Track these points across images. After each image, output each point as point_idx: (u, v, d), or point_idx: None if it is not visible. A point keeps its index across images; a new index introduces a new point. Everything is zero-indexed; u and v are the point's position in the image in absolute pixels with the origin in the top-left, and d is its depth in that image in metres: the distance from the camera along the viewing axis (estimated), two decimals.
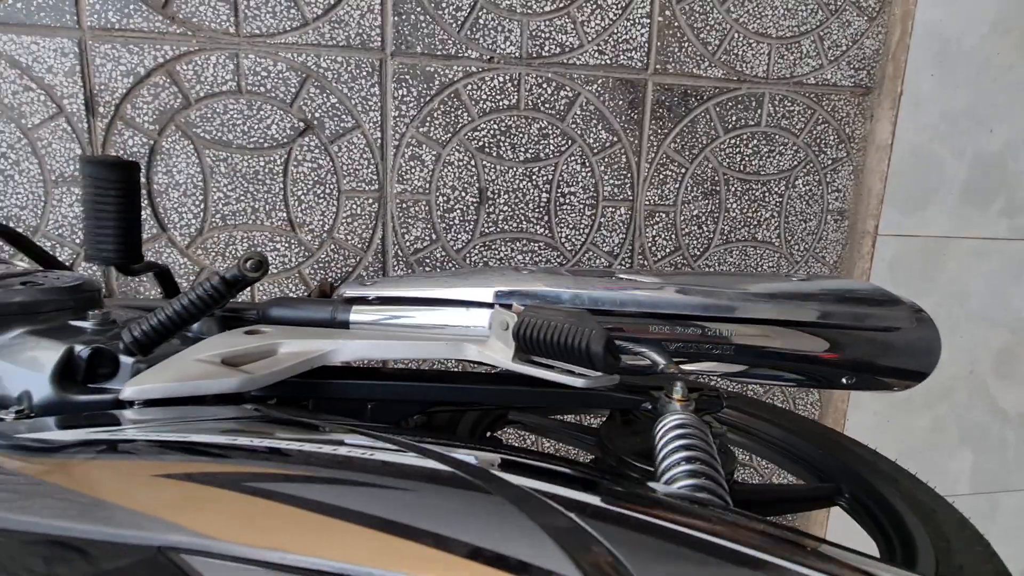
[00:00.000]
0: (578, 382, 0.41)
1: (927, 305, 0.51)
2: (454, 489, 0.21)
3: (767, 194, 1.25)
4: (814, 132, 1.25)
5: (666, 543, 0.18)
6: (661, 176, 1.20)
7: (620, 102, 1.16)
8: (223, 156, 1.05)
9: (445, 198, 1.13)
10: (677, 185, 1.21)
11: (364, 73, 1.06)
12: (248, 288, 0.82)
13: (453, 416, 0.60)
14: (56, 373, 0.41)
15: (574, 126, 1.15)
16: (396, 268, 1.14)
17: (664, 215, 1.21)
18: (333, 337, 0.47)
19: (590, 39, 1.13)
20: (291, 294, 1.11)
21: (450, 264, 1.16)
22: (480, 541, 0.17)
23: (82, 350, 0.42)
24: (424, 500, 0.20)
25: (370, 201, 1.11)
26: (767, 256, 1.27)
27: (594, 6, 1.12)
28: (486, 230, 1.15)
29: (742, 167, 1.23)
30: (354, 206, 1.10)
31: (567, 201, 1.17)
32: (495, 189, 1.14)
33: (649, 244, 1.22)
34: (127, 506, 0.20)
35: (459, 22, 1.08)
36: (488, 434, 0.62)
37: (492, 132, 1.12)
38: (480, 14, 1.08)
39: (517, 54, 1.11)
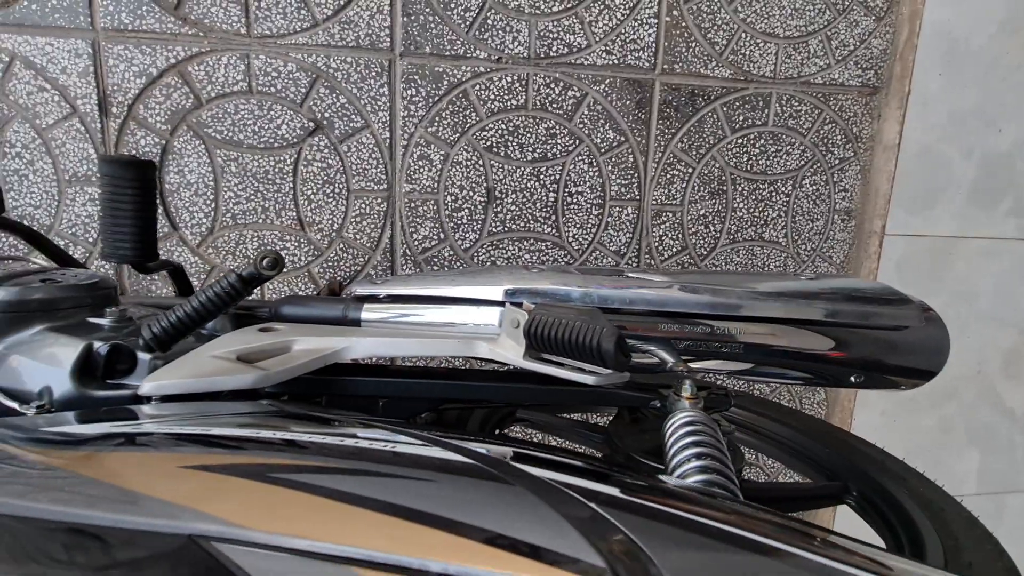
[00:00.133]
0: (588, 379, 0.41)
1: (935, 305, 0.51)
2: (472, 479, 0.21)
3: (774, 194, 1.25)
4: (821, 132, 1.25)
5: (684, 531, 0.19)
6: (668, 176, 1.20)
7: (627, 102, 1.16)
8: (234, 156, 1.06)
9: (453, 197, 1.14)
10: (684, 185, 1.21)
11: (373, 73, 1.07)
12: (259, 287, 0.83)
13: (462, 413, 0.61)
14: (76, 369, 0.41)
15: (581, 126, 1.15)
16: (404, 267, 1.15)
17: (671, 214, 1.22)
18: (345, 335, 0.47)
19: (598, 39, 1.13)
20: (300, 293, 1.12)
21: (458, 263, 1.16)
22: (501, 528, 0.18)
23: (101, 346, 0.42)
24: (444, 489, 0.20)
25: (379, 200, 1.11)
26: (774, 256, 1.27)
27: (602, 6, 1.12)
28: (494, 229, 1.16)
29: (749, 167, 1.23)
30: (363, 205, 1.11)
31: (574, 200, 1.18)
32: (503, 188, 1.15)
33: (656, 243, 1.22)
34: (156, 496, 0.21)
35: (468, 23, 1.08)
36: (496, 432, 0.63)
37: (500, 132, 1.13)
38: (488, 15, 1.08)
39: (525, 54, 1.11)
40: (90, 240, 1.05)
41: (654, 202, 1.21)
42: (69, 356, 0.42)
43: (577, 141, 1.16)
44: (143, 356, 0.43)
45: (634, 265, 1.22)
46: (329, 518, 0.19)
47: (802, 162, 1.25)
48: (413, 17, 1.06)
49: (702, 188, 1.22)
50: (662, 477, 0.31)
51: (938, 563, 0.40)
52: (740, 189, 1.23)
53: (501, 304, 0.50)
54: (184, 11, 1.00)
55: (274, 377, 0.41)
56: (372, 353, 0.47)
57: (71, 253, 0.97)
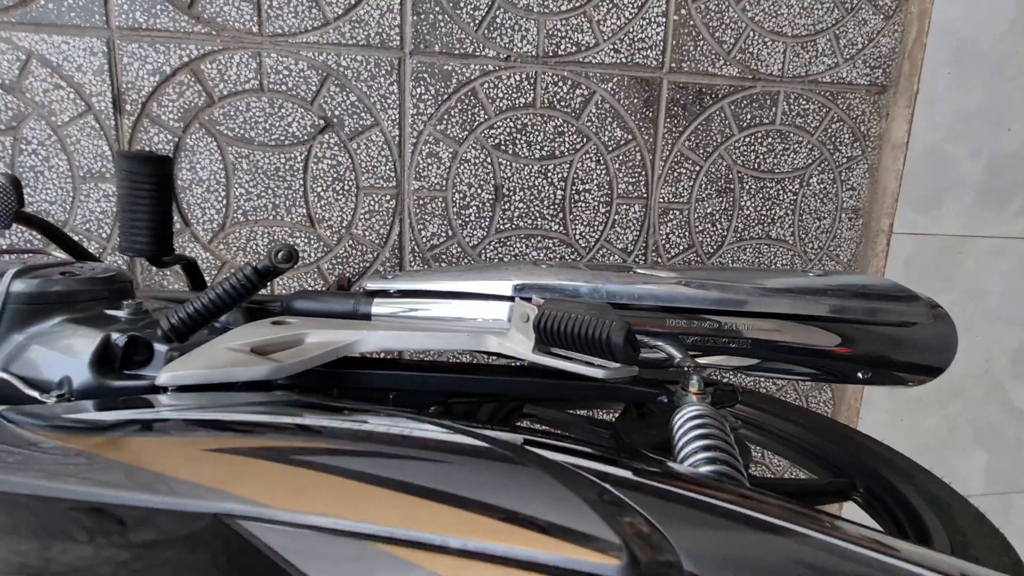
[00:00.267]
0: (597, 373, 0.42)
1: (943, 303, 0.51)
2: (488, 460, 0.22)
3: (781, 192, 1.25)
4: (829, 130, 1.25)
5: (697, 511, 0.19)
6: (675, 174, 1.20)
7: (635, 100, 1.17)
8: (245, 153, 1.07)
9: (461, 195, 1.14)
10: (691, 183, 1.21)
11: (383, 72, 1.08)
12: (272, 281, 0.84)
13: (470, 408, 0.61)
14: (94, 360, 0.42)
15: (589, 124, 1.16)
16: (413, 264, 1.15)
17: (678, 212, 1.22)
18: (356, 328, 0.48)
19: (606, 38, 1.13)
20: (310, 288, 1.13)
21: (466, 260, 1.17)
22: (517, 507, 0.18)
23: (119, 338, 0.43)
24: (460, 470, 0.21)
25: (388, 198, 1.12)
26: (781, 254, 1.27)
27: (610, 5, 1.12)
28: (501, 227, 1.17)
29: (756, 165, 1.23)
30: (372, 202, 1.12)
31: (582, 198, 1.18)
32: (511, 186, 1.15)
33: (663, 241, 1.22)
34: (180, 477, 0.21)
35: (477, 21, 1.09)
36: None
37: (508, 130, 1.13)
38: (497, 13, 1.09)
39: (533, 53, 1.12)
40: (104, 236, 1.06)
41: (661, 200, 1.21)
42: (88, 347, 0.42)
43: (585, 139, 1.16)
44: (160, 348, 0.44)
45: (641, 263, 1.23)
46: (350, 497, 0.19)
47: (809, 160, 1.25)
48: (423, 16, 1.07)
49: (709, 186, 1.22)
50: (671, 464, 0.32)
51: None
52: (747, 187, 1.24)
53: (510, 299, 0.51)
54: (197, 10, 1.02)
55: (288, 369, 0.42)
56: (383, 346, 0.47)
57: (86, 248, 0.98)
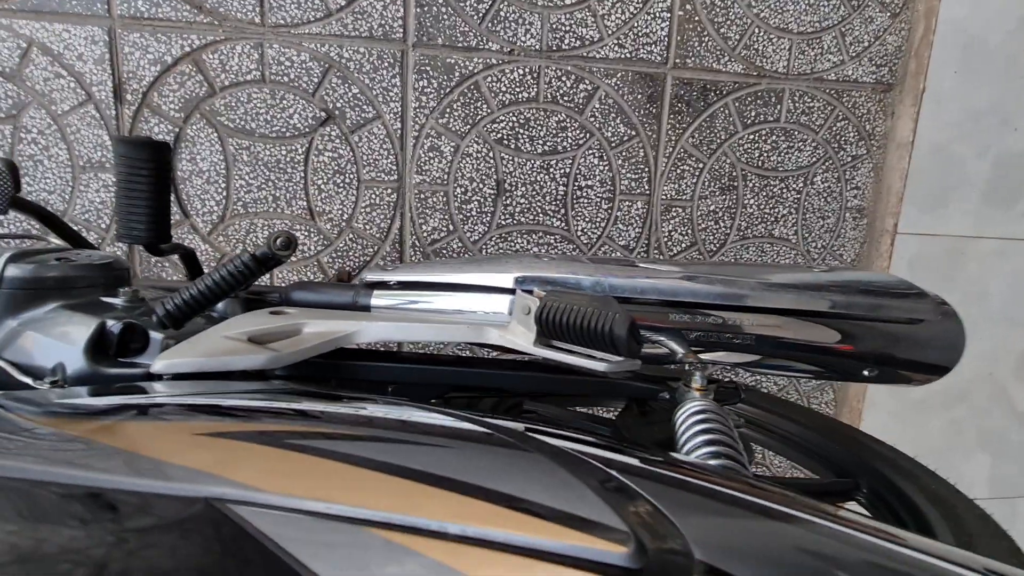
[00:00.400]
0: (600, 366, 0.41)
1: None
2: (489, 446, 0.21)
3: (785, 190, 1.24)
4: (834, 129, 1.24)
5: (704, 498, 0.18)
6: (679, 171, 1.20)
7: (639, 96, 1.16)
8: (246, 144, 1.06)
9: (463, 189, 1.14)
10: (694, 180, 1.21)
11: (386, 64, 1.07)
12: (268, 274, 0.83)
13: (469, 402, 0.61)
14: (89, 346, 0.42)
15: (592, 119, 1.15)
16: (413, 258, 1.15)
17: (681, 210, 1.21)
18: (355, 319, 0.47)
19: (610, 32, 1.12)
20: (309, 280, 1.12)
21: (467, 255, 1.16)
22: (519, 492, 0.17)
23: (114, 325, 0.43)
24: (460, 455, 0.20)
25: (389, 191, 1.12)
26: (784, 253, 1.27)
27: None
28: (503, 222, 1.16)
29: (760, 163, 1.22)
30: (373, 196, 1.11)
31: (584, 194, 1.17)
32: (512, 181, 1.15)
33: (665, 239, 1.22)
34: (172, 461, 0.21)
35: (480, 14, 1.08)
36: None
37: (511, 124, 1.13)
38: (501, 6, 1.08)
39: (537, 47, 1.11)
40: (103, 226, 1.06)
41: (664, 197, 1.20)
42: (83, 334, 0.42)
43: (588, 135, 1.15)
44: (155, 336, 0.43)
45: (644, 257, 1.22)
46: (345, 482, 0.19)
47: (814, 159, 1.24)
48: (426, 8, 1.06)
49: (712, 184, 1.21)
50: (676, 455, 0.31)
51: None
52: (751, 185, 1.23)
53: (511, 292, 0.50)
54: None
55: (285, 358, 0.41)
56: (382, 337, 0.47)
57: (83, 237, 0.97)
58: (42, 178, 1.03)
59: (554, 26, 1.11)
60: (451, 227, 1.15)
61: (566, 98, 1.13)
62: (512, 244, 1.17)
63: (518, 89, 1.12)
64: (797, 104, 1.21)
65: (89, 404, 0.32)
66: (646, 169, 1.18)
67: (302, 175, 1.09)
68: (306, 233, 1.11)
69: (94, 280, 0.48)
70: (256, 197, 1.08)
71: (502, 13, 1.09)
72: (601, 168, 1.17)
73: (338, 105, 1.07)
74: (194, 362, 0.39)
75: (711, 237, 1.23)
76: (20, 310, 0.44)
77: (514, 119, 1.13)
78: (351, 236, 1.12)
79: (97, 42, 1.00)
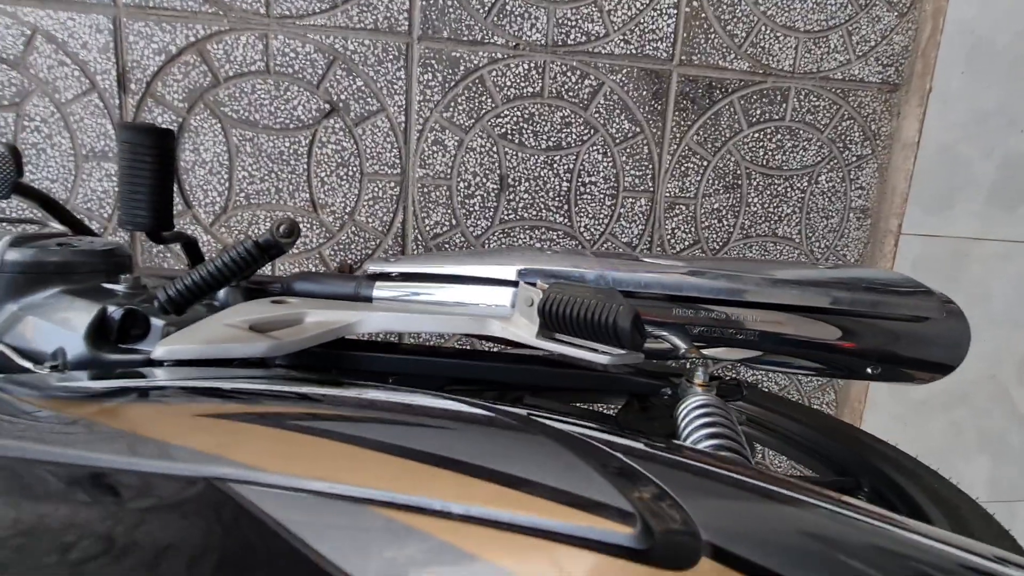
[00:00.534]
0: (603, 359, 0.41)
1: None
2: (495, 428, 0.21)
3: (789, 189, 1.24)
4: (839, 128, 1.23)
5: (714, 482, 0.18)
6: (683, 168, 1.19)
7: (644, 92, 1.15)
8: (249, 136, 1.06)
9: (466, 184, 1.13)
10: (698, 178, 1.20)
11: (390, 57, 1.07)
12: (270, 265, 0.83)
13: (470, 395, 0.61)
14: (90, 332, 0.41)
15: (597, 115, 1.15)
16: (415, 252, 1.14)
17: (684, 207, 1.21)
18: (357, 310, 0.47)
19: (616, 28, 1.12)
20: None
21: (470, 249, 1.16)
22: (524, 473, 0.17)
23: (115, 311, 0.42)
24: (465, 437, 0.20)
25: (392, 184, 1.11)
26: (787, 252, 1.26)
27: None
28: (506, 217, 1.16)
29: (765, 161, 1.22)
30: (376, 189, 1.11)
31: (587, 190, 1.17)
32: (516, 176, 1.14)
33: (668, 236, 1.21)
34: (173, 442, 0.21)
35: (486, 8, 1.08)
36: None
37: (515, 119, 1.12)
38: (507, 0, 1.08)
39: (543, 41, 1.10)
40: (105, 215, 1.05)
41: (667, 194, 1.20)
42: (84, 319, 0.42)
43: (592, 131, 1.15)
44: (156, 322, 0.43)
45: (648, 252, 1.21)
46: (348, 462, 0.18)
47: (819, 158, 1.24)
48: (432, 1, 1.06)
49: (717, 182, 1.21)
50: (679, 443, 0.31)
51: None
52: (755, 184, 1.22)
53: (514, 284, 0.50)
54: None
55: (286, 347, 0.41)
56: (383, 328, 0.47)
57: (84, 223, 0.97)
58: (45, 166, 1.03)
59: (560, 21, 1.10)
60: (454, 221, 1.14)
61: (571, 93, 1.13)
62: (515, 239, 1.17)
63: (523, 84, 1.11)
64: (803, 103, 1.21)
65: (89, 387, 0.32)
66: (650, 166, 1.18)
67: (305, 167, 1.08)
68: (308, 225, 1.11)
69: (95, 266, 0.48)
70: (259, 188, 1.08)
71: (508, 7, 1.08)
72: (605, 164, 1.17)
73: (342, 97, 1.07)
74: (195, 349, 0.39)
75: (714, 235, 1.23)
76: (21, 294, 0.44)
77: (518, 114, 1.12)
78: (353, 229, 1.12)
79: (102, 31, 1.00)
